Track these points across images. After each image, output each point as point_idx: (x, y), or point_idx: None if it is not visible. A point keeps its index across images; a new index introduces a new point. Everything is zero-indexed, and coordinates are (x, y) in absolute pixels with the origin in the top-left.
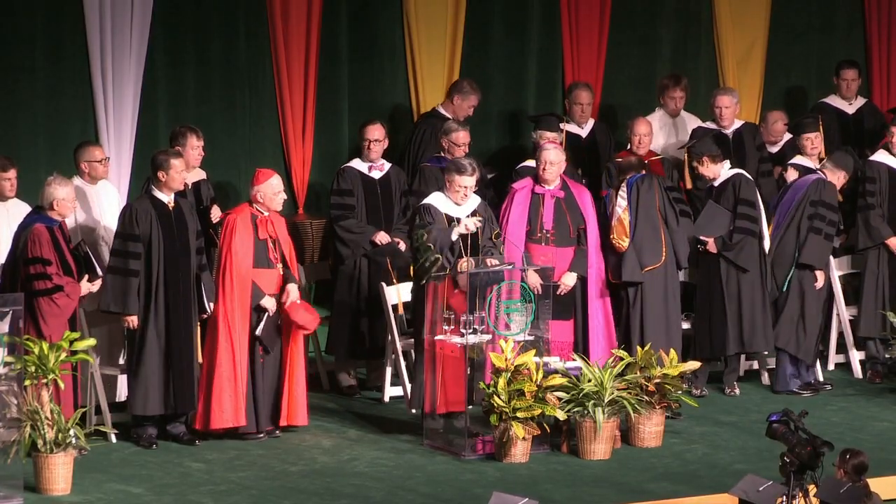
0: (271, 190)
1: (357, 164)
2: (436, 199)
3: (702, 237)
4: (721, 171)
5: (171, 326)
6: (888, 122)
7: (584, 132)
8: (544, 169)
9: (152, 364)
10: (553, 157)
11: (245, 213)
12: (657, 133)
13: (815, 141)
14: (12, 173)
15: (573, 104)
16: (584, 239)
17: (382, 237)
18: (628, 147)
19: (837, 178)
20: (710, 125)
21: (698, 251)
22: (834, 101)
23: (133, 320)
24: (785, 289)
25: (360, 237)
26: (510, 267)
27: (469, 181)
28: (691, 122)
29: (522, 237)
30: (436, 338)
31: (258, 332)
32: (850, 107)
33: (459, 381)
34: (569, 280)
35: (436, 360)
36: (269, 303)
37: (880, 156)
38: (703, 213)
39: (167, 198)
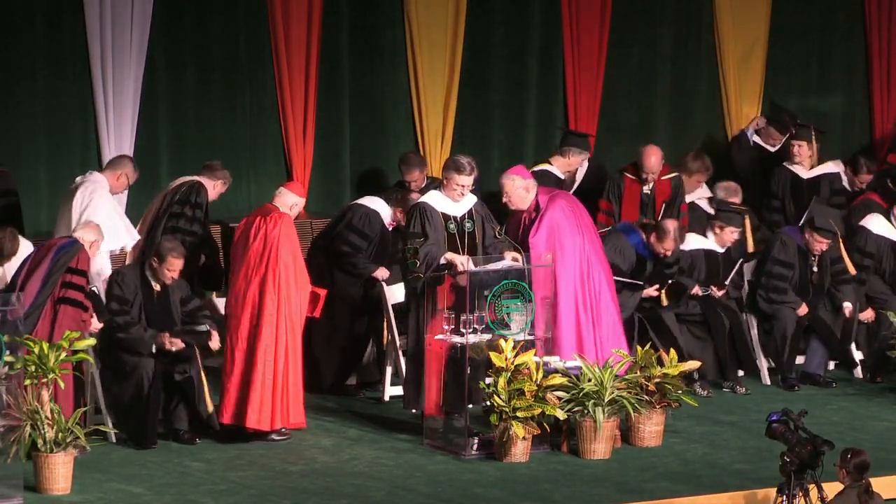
0: (302, 205)
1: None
2: (432, 198)
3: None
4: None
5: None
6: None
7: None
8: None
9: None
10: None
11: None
12: None
13: (801, 150)
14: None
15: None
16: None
17: (382, 272)
18: (644, 177)
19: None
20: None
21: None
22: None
23: (165, 341)
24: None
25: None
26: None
27: (467, 180)
28: None
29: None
30: (436, 337)
31: None
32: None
33: (440, 383)
34: None
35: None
36: None
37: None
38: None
39: (155, 284)
